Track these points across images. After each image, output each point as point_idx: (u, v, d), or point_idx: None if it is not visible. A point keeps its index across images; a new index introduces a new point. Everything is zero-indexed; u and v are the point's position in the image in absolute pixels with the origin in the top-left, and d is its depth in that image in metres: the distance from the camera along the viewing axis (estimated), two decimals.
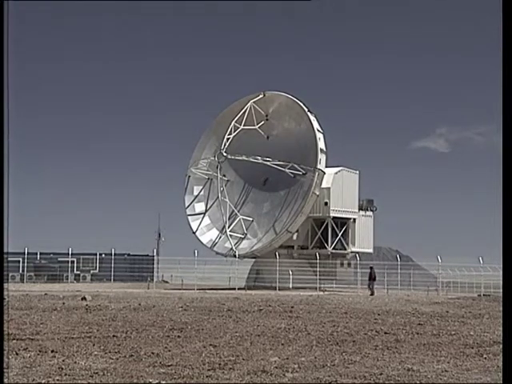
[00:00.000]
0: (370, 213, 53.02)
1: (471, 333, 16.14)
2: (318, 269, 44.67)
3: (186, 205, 51.53)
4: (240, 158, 48.72)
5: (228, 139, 48.51)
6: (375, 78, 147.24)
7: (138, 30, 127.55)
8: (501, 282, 33.42)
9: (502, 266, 8.27)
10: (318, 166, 46.36)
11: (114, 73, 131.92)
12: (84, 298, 28.15)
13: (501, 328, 15.59)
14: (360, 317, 20.68)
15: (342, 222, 50.24)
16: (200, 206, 51.47)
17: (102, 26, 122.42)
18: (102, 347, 12.59)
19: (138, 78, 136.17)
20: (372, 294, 38.73)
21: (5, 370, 8.50)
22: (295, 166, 47.00)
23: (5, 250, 7.19)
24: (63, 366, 10.30)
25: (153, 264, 55.09)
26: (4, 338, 7.85)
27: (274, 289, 42.73)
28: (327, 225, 49.36)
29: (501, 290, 32.90)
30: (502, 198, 8.19)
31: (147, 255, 58.37)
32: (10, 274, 51.11)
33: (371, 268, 41.75)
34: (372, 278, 40.83)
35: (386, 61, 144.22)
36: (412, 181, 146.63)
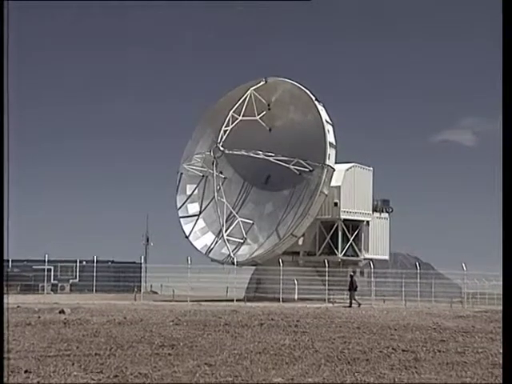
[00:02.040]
0: (385, 214, 52.99)
1: (501, 351, 16.10)
2: (326, 278, 44.65)
3: (178, 205, 51.50)
4: (239, 152, 48.70)
5: (225, 131, 48.48)
6: (391, 63, 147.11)
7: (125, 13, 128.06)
8: None
9: (502, 267, 8.46)
10: (327, 162, 46.33)
11: (100, 60, 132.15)
12: (62, 311, 28.14)
13: None
14: (374, 332, 20.67)
15: (354, 225, 50.21)
16: (194, 207, 51.43)
17: (92, 16, 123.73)
18: (82, 366, 12.56)
19: (121, 61, 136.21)
20: (350, 306, 38.92)
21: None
22: (301, 161, 46.96)
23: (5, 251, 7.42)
24: None
25: (140, 272, 55.04)
26: (4, 339, 8.45)
27: (278, 300, 42.73)
28: (337, 228, 49.33)
29: None
30: (502, 199, 8.38)
31: (134, 262, 58.31)
32: None
33: (351, 276, 41.72)
34: (353, 287, 40.84)
35: (402, 45, 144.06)
36: (433, 179, 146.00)
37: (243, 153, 48.61)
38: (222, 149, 48.31)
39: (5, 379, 9.50)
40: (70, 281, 59.04)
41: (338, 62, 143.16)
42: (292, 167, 47.31)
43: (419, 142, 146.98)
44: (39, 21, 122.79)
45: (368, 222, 51.04)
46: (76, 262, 59.02)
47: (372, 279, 45.92)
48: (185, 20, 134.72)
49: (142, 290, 52.51)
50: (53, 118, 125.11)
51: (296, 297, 45.53)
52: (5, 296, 10.44)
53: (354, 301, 40.09)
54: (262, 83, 49.63)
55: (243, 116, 48.86)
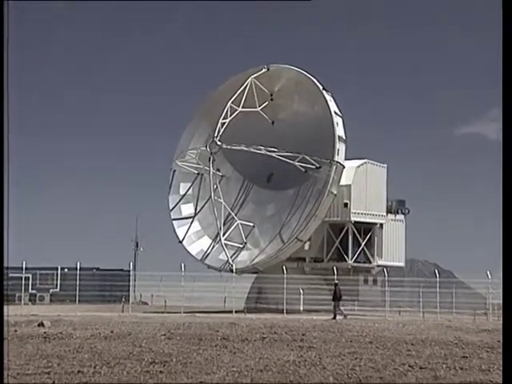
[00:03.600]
0: (400, 216, 52.99)
1: None
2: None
3: (171, 206, 51.52)
4: (238, 147, 48.68)
5: (223, 124, 48.48)
6: (408, 48, 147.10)
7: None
8: None
9: (502, 270, 8.75)
10: (336, 158, 46.32)
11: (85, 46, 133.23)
12: (41, 324, 28.13)
13: None
14: (389, 347, 20.65)
15: (366, 228, 50.21)
16: (188, 208, 51.45)
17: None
18: None
19: (105, 45, 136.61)
20: (334, 318, 39.11)
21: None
22: (307, 157, 46.95)
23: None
24: None
25: (128, 281, 55.08)
26: (4, 339, 9.09)
27: (281, 312, 42.72)
28: (347, 232, 49.33)
29: None
30: (502, 200, 8.60)
31: (121, 270, 58.40)
32: None
33: (336, 285, 41.78)
34: (336, 297, 40.91)
35: (423, 27, 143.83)
36: (454, 176, 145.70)
37: (243, 148, 48.58)
38: (219, 143, 48.29)
39: (5, 380, 9.62)
40: (50, 290, 59.11)
41: (347, 48, 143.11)
42: (297, 164, 47.28)
43: (439, 136, 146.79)
44: (39, 20, 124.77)
45: (381, 224, 51.03)
46: (57, 269, 59.09)
47: (386, 288, 45.88)
48: (180, 10, 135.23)
49: (131, 301, 52.50)
50: (35, 116, 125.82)
51: (301, 308, 45.54)
52: (4, 296, 10.99)
53: (338, 312, 40.42)
54: (263, 71, 49.62)
55: (243, 107, 48.84)
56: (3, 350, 8.75)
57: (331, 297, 41.48)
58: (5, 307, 12.79)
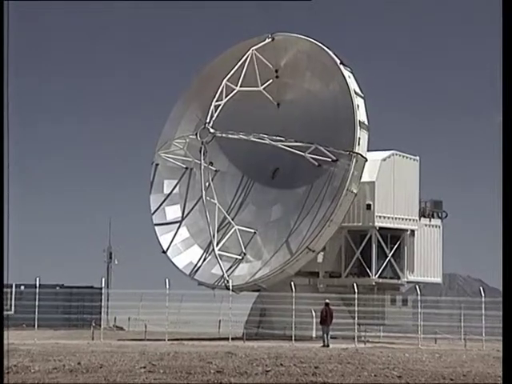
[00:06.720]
0: (436, 221, 52.96)
1: None
2: (355, 308, 44.69)
3: (153, 209, 51.48)
4: (235, 136, 48.65)
5: (217, 107, 48.42)
6: (443, 22, 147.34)
7: None
8: None
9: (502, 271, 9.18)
10: (357, 149, 46.27)
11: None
12: None
13: None
14: (422, 383, 20.58)
15: (394, 236, 50.16)
16: (174, 211, 51.40)
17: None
18: None
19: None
20: (324, 346, 39.40)
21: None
22: (320, 148, 46.91)
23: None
24: None
25: (100, 301, 55.08)
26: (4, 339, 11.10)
27: (289, 338, 42.73)
28: (370, 240, 49.28)
29: None
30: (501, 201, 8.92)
31: (91, 287, 58.40)
32: None
33: (326, 305, 41.80)
34: (327, 321, 41.02)
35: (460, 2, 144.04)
36: (500, 172, 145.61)
37: (241, 136, 48.56)
38: (212, 131, 48.21)
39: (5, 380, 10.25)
40: (3, 313, 59.02)
41: (371, 15, 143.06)
42: (308, 156, 47.24)
43: (482, 123, 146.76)
44: (39, 20, 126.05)
45: (413, 231, 50.99)
46: (11, 286, 58.96)
47: (419, 310, 45.90)
48: None
49: (103, 325, 52.48)
50: None
51: (314, 334, 45.51)
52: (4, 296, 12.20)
53: (327, 338, 40.64)
54: (267, 41, 49.52)
55: (241, 86, 48.79)
56: (3, 350, 9.11)
57: (320, 320, 41.62)
58: None
